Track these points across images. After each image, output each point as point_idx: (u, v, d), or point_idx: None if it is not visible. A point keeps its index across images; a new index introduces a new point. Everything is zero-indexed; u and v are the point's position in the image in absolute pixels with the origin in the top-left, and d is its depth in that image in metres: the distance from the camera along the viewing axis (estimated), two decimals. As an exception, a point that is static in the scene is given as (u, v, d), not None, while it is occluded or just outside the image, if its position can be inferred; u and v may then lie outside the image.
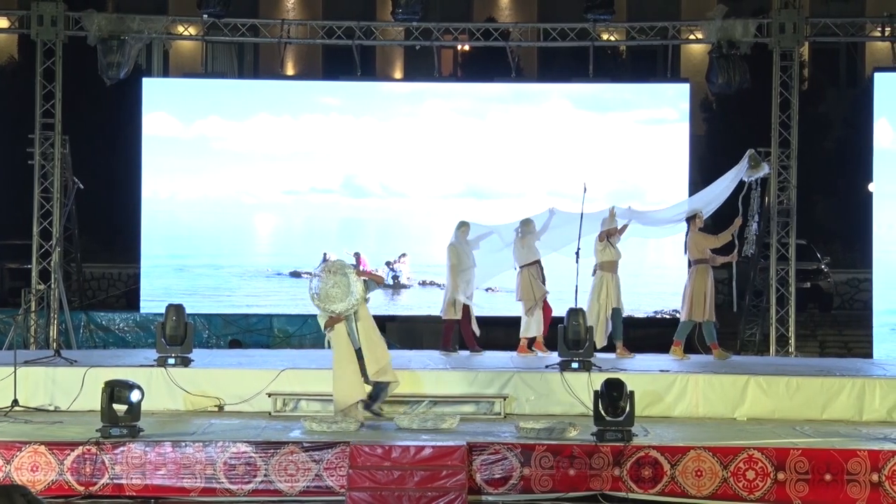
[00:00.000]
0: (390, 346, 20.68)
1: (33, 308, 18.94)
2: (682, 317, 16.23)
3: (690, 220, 16.29)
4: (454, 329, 16.73)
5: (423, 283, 20.62)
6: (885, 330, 18.90)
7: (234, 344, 20.08)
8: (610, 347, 16.35)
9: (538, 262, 16.55)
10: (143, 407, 12.11)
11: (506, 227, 16.90)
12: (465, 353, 16.73)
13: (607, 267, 16.33)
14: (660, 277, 19.58)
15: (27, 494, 4.79)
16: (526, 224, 16.58)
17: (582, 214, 15.79)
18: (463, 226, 16.76)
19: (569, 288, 15.64)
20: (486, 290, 18.59)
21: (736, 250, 16.77)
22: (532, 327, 16.45)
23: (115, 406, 11.81)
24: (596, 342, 15.91)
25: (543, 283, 16.50)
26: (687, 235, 16.35)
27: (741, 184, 16.90)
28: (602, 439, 11.63)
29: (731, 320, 19.91)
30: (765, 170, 16.77)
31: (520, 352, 16.42)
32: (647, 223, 17.13)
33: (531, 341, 16.51)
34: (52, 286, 19.01)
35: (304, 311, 20.36)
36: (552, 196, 19.57)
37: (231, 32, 20.14)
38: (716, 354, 15.98)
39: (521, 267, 16.53)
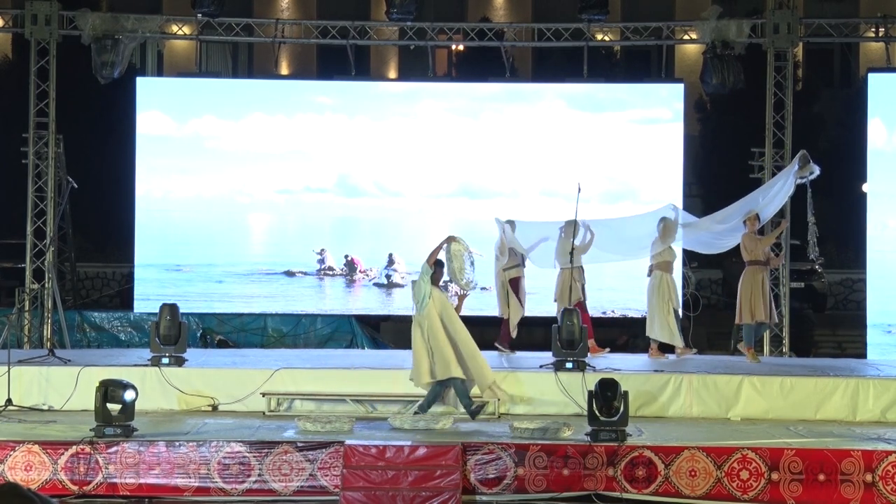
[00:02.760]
0: (385, 346, 20.76)
1: (27, 307, 18.92)
2: (736, 319, 16.33)
3: (745, 222, 16.37)
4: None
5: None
6: (878, 330, 18.91)
7: (221, 344, 20.05)
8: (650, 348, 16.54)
9: (580, 265, 16.56)
10: (137, 406, 12.11)
11: (551, 226, 16.95)
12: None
13: (664, 267, 16.39)
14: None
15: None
16: (570, 225, 16.52)
17: (577, 214, 15.79)
18: (508, 224, 16.75)
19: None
20: (482, 289, 18.56)
21: (783, 252, 16.90)
22: None
23: (109, 405, 11.81)
24: (663, 340, 16.12)
25: (583, 287, 16.49)
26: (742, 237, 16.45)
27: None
28: (596, 439, 11.63)
29: (727, 320, 19.90)
30: (814, 171, 16.66)
31: None
32: (705, 232, 17.10)
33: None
34: (46, 285, 18.98)
35: (299, 311, 20.38)
36: (546, 196, 19.58)
37: (225, 32, 20.13)
38: (749, 357, 16.04)
39: (562, 268, 16.54)
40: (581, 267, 16.51)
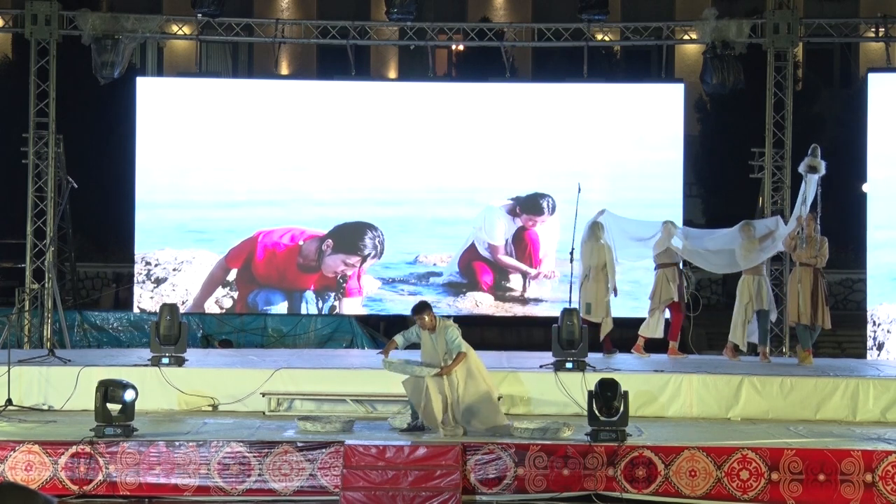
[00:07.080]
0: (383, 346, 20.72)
1: (27, 307, 18.92)
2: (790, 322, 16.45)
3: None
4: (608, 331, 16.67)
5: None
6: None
7: (224, 344, 20.03)
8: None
9: (677, 265, 16.66)
10: (137, 406, 12.12)
11: (637, 224, 17.05)
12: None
13: (752, 269, 16.37)
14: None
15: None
16: (668, 225, 16.65)
17: (576, 215, 15.78)
18: (594, 226, 16.73)
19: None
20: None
21: (800, 252, 16.99)
22: (647, 327, 16.49)
23: (109, 405, 11.82)
24: (738, 343, 16.14)
25: (679, 287, 16.53)
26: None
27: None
28: (596, 439, 11.64)
29: (727, 321, 19.88)
30: (818, 166, 16.68)
31: (634, 350, 16.51)
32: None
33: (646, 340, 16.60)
34: (46, 285, 18.98)
35: (299, 311, 20.37)
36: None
37: (225, 32, 20.12)
38: (800, 357, 16.09)
39: (658, 267, 16.63)
40: (677, 265, 16.55)
